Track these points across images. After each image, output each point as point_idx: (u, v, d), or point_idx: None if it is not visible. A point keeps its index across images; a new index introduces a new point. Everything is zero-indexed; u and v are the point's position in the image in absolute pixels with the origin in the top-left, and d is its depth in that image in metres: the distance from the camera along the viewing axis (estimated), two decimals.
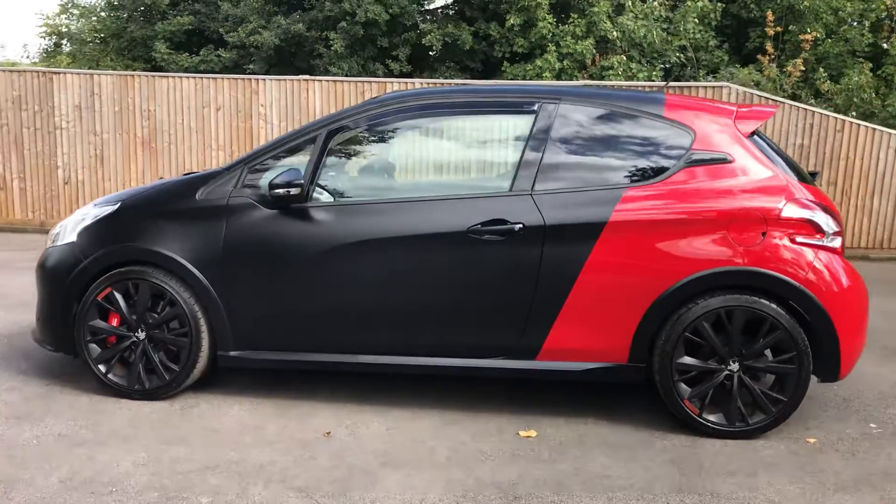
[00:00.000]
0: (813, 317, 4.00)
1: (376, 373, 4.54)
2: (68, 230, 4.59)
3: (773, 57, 17.28)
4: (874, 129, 10.28)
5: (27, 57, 28.89)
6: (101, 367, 4.47)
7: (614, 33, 21.47)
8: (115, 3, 24.22)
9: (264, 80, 11.03)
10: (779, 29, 17.67)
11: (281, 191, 4.16)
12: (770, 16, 17.27)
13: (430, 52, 22.85)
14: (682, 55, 21.73)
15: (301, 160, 4.38)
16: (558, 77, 20.72)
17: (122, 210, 4.50)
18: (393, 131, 4.61)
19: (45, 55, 26.44)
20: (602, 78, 20.70)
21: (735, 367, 4.08)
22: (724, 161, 4.14)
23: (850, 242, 10.33)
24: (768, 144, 4.51)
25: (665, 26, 21.85)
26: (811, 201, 4.11)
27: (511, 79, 20.16)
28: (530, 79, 20.25)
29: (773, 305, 4.01)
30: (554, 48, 21.11)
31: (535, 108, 4.30)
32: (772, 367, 4.08)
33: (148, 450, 3.82)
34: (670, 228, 4.06)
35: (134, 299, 4.41)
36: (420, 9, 22.24)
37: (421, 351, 4.29)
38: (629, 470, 3.73)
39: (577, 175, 4.24)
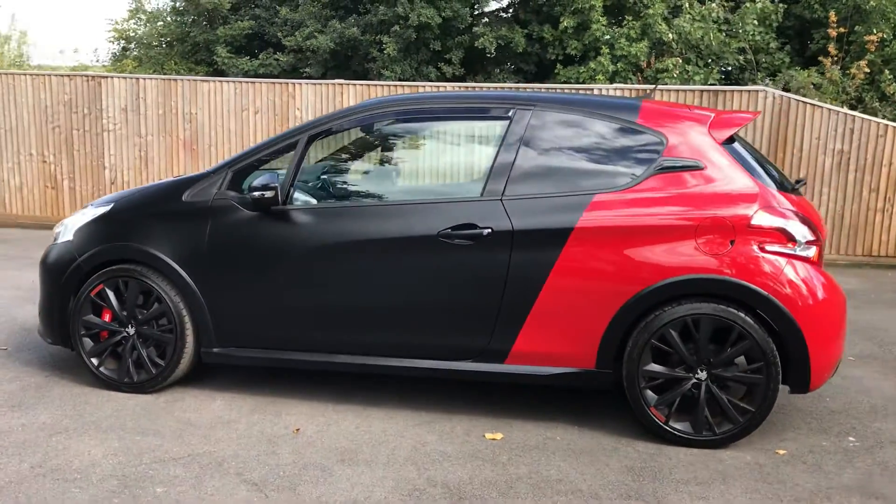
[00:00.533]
0: (781, 326, 3.95)
1: (350, 372, 4.62)
2: (68, 229, 4.82)
3: (836, 59, 16.79)
4: None
5: (97, 61, 30.00)
6: (94, 361, 4.67)
7: (670, 35, 21.19)
8: (180, 8, 24.96)
9: (300, 83, 11.26)
10: (842, 30, 17.16)
11: (257, 193, 4.30)
12: (833, 16, 16.75)
13: (487, 55, 22.89)
14: (741, 57, 21.30)
15: (283, 164, 4.51)
16: (612, 80, 20.55)
17: (114, 210, 4.70)
18: (371, 137, 4.70)
19: (113, 59, 27.38)
20: (656, 80, 20.45)
21: (703, 375, 4.05)
22: (695, 168, 4.11)
23: (893, 251, 10.02)
24: (748, 152, 4.46)
25: (724, 28, 21.45)
26: (785, 209, 4.05)
27: (564, 81, 20.07)
28: (584, 81, 20.14)
29: (741, 314, 3.97)
30: (608, 50, 20.94)
31: (510, 114, 4.34)
32: (739, 376, 4.03)
33: (122, 440, 4.00)
34: (637, 235, 4.05)
35: (124, 296, 4.60)
36: (473, 12, 22.26)
37: (394, 352, 4.37)
38: (584, 475, 3.74)
39: (548, 181, 4.26)
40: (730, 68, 22.43)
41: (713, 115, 4.30)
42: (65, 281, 4.69)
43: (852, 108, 13.72)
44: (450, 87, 11.71)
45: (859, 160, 9.94)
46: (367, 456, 3.89)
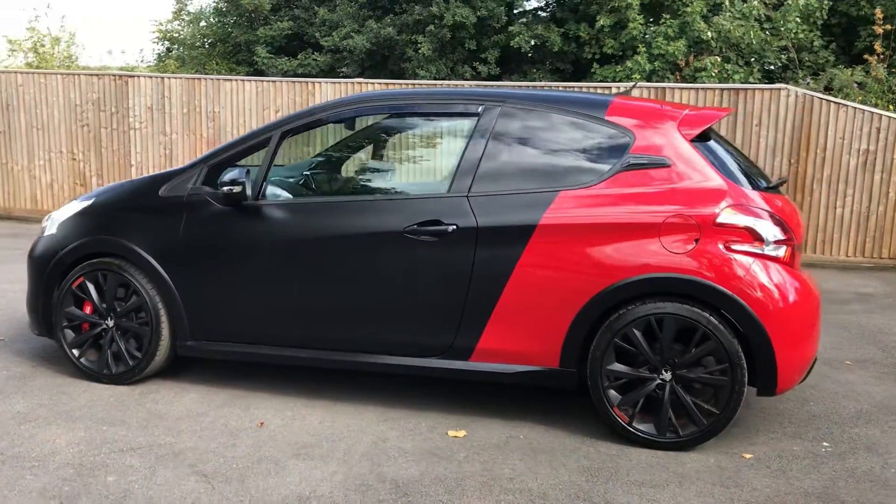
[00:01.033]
0: (746, 327, 3.86)
1: (317, 367, 4.63)
2: (53, 222, 4.93)
3: (882, 57, 16.32)
4: None
5: (142, 61, 30.59)
6: (75, 352, 4.77)
7: (709, 34, 20.86)
8: (222, 8, 25.34)
9: (320, 82, 11.35)
10: (889, 27, 16.69)
11: (225, 188, 4.35)
12: (879, 13, 16.28)
13: (528, 54, 22.76)
14: (783, 56, 20.87)
15: (257, 160, 4.56)
16: (648, 78, 20.29)
17: (96, 205, 4.80)
18: (343, 133, 4.72)
19: (157, 59, 27.91)
20: (694, 80, 20.15)
21: (667, 376, 3.98)
22: (662, 165, 4.04)
23: None
24: (725, 150, 4.38)
25: (766, 26, 21.04)
26: (754, 208, 3.96)
27: (600, 80, 19.90)
28: (620, 80, 19.93)
29: (706, 314, 3.89)
30: (644, 49, 20.70)
31: (479, 110, 4.32)
32: (703, 377, 3.95)
33: (88, 430, 4.07)
34: (601, 232, 4.00)
35: (104, 289, 4.69)
36: (508, 11, 22.18)
37: (361, 348, 4.38)
38: (537, 475, 3.70)
39: (515, 177, 4.23)
40: (772, 67, 22.00)
41: (684, 112, 4.22)
42: (48, 273, 4.80)
43: None
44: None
45: (885, 160, 9.67)
46: (325, 451, 3.91)
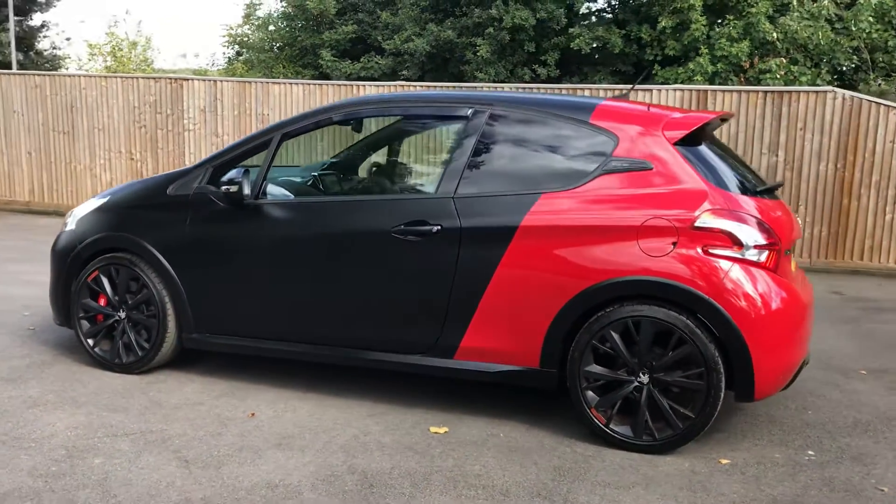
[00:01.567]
0: (722, 332, 3.85)
1: (309, 361, 4.77)
2: (73, 218, 5.20)
3: None
4: None
5: (213, 65, 31.50)
6: (90, 342, 5.03)
7: (774, 35, 20.38)
8: (289, 13, 25.91)
9: (364, 85, 11.56)
10: None
11: (224, 188, 4.54)
12: None
13: (590, 56, 22.62)
14: (854, 57, 20.27)
15: (259, 161, 4.73)
16: (711, 81, 19.95)
17: (110, 202, 5.05)
18: (339, 135, 4.85)
19: (227, 63, 28.71)
20: (759, 82, 19.72)
21: (645, 379, 3.99)
22: (643, 168, 4.05)
23: None
24: (717, 153, 4.36)
25: (837, 26, 20.44)
26: (734, 212, 3.94)
27: (662, 82, 19.66)
28: (682, 82, 19.64)
29: (683, 318, 3.89)
30: (707, 51, 20.35)
31: (468, 113, 4.40)
32: (679, 381, 3.95)
33: (89, 415, 4.30)
34: (580, 235, 4.04)
35: (116, 282, 4.94)
36: (567, 13, 22.07)
37: (349, 343, 4.51)
38: (506, 472, 3.76)
39: (500, 179, 4.30)
40: (843, 69, 21.38)
41: (669, 115, 4.22)
42: (68, 266, 5.07)
43: None
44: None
45: None
46: (306, 442, 4.04)
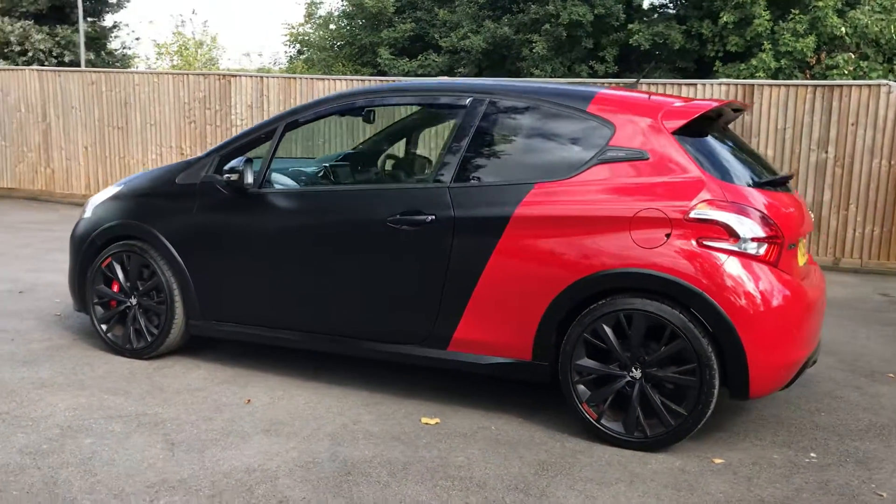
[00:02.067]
0: (715, 326, 3.72)
1: (308, 350, 4.79)
2: (90, 206, 5.33)
3: None
4: None
5: (275, 63, 32.04)
6: (104, 327, 5.15)
7: (843, 29, 19.73)
8: (349, 11, 26.17)
9: (404, 81, 11.57)
10: None
11: (225, 176, 4.59)
12: None
13: (643, 53, 22.22)
14: None
15: (264, 150, 4.77)
16: (775, 77, 19.41)
17: (123, 191, 5.16)
18: (341, 125, 4.85)
19: (289, 61, 29.18)
20: (825, 77, 19.12)
21: (637, 374, 3.88)
22: (640, 158, 3.95)
23: None
24: (722, 142, 4.23)
25: None
26: (732, 203, 3.80)
27: (724, 78, 19.24)
28: (744, 78, 19.14)
29: (676, 312, 3.77)
30: (770, 46, 19.81)
31: (465, 103, 4.35)
32: (672, 377, 3.83)
33: (91, 397, 4.40)
34: (573, 226, 3.95)
35: (128, 269, 5.04)
36: (626, 8, 21.72)
37: (346, 332, 4.51)
38: (488, 465, 3.71)
39: (495, 169, 4.26)
40: None
41: (669, 104, 4.10)
42: (84, 253, 5.20)
43: None
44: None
45: None
46: (294, 429, 4.06)
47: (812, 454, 3.94)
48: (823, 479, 3.65)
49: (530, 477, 3.60)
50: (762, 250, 3.79)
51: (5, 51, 20.58)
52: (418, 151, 5.34)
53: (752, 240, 3.77)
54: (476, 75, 22.38)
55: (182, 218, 4.84)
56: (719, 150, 4.14)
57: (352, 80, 11.80)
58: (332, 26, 27.38)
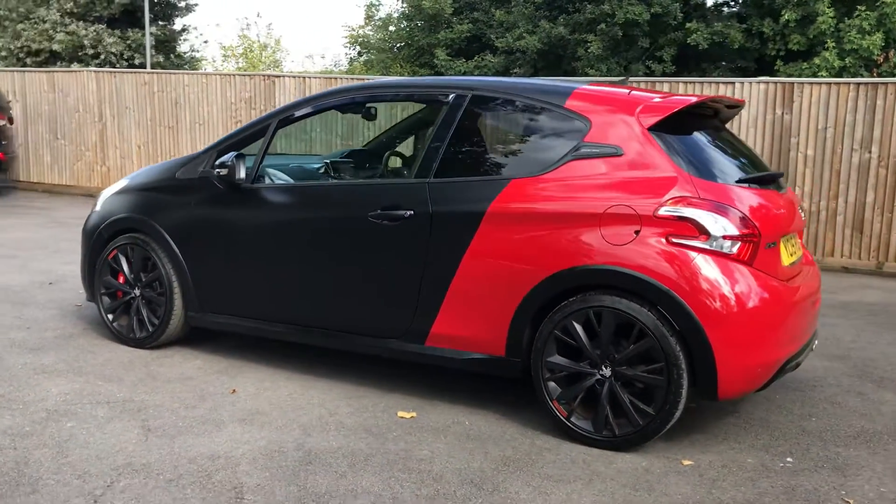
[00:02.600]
0: (682, 325, 3.65)
1: (294, 342, 4.85)
2: (101, 199, 5.52)
3: None
4: None
5: (335, 65, 32.49)
6: (110, 317, 5.33)
7: None
8: (408, 13, 26.36)
9: None
10: None
11: (216, 171, 4.71)
12: None
13: (712, 52, 21.78)
14: None
15: (258, 146, 4.88)
16: (839, 76, 18.82)
17: (130, 185, 5.34)
18: (330, 121, 4.92)
19: (349, 63, 29.55)
20: (892, 76, 18.46)
21: (607, 372, 3.84)
22: (613, 154, 3.90)
23: None
24: (706, 139, 4.16)
25: None
26: (703, 200, 3.73)
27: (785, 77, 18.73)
28: (806, 77, 18.62)
29: (644, 310, 3.72)
30: (833, 45, 19.20)
31: (447, 99, 4.37)
32: (640, 376, 3.78)
33: (85, 384, 4.56)
34: (544, 222, 3.93)
35: (132, 261, 5.21)
36: (683, 7, 21.33)
37: (329, 325, 4.57)
38: (450, 459, 3.71)
39: (474, 165, 4.27)
40: None
41: (647, 99, 4.04)
42: (93, 245, 5.39)
43: None
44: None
45: None
46: (270, 419, 4.13)
47: (789, 459, 3.83)
48: (792, 485, 3.55)
49: (489, 472, 3.59)
50: (735, 248, 3.71)
51: (79, 54, 21.37)
52: (403, 146, 5.38)
53: (725, 238, 3.69)
54: (531, 76, 22.27)
55: (181, 211, 4.98)
56: (703, 147, 4.07)
57: (392, 79, 11.90)
58: (391, 28, 27.62)
